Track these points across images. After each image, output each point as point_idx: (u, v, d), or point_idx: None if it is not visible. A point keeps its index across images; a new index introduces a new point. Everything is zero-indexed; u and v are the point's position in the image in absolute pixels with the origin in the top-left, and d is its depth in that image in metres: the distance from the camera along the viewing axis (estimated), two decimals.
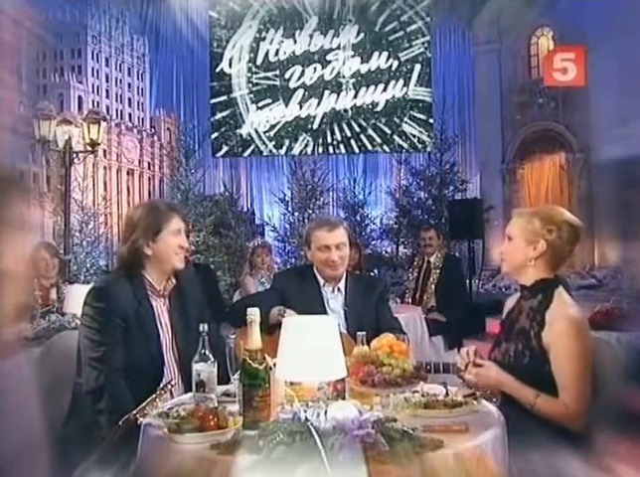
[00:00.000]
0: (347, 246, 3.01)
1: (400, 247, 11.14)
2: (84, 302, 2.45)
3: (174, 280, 2.57)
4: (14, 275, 0.88)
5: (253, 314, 1.81)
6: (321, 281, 3.03)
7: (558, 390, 2.11)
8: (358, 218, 11.08)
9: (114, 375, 2.31)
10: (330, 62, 12.65)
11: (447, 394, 2.00)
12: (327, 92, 12.62)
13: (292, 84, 12.67)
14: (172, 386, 2.12)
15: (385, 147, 12.61)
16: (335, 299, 3.03)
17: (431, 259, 5.88)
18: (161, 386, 2.09)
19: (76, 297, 3.97)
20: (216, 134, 12.66)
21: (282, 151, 12.66)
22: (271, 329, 2.46)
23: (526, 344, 2.20)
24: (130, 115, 14.75)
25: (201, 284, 2.78)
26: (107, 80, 14.49)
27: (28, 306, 3.59)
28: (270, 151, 12.72)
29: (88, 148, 8.28)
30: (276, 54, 12.71)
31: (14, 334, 0.97)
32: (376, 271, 10.12)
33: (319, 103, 12.62)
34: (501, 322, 2.42)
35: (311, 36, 12.63)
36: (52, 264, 4.63)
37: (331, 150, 12.59)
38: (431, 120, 12.30)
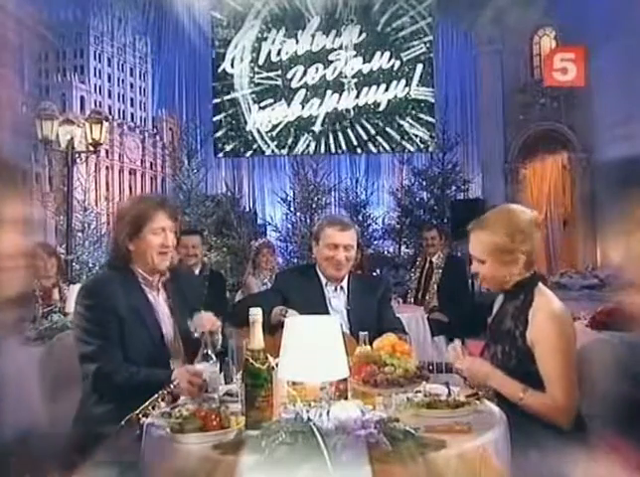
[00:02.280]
0: (354, 249, 3.02)
1: (403, 247, 11.13)
2: (75, 302, 2.41)
3: (167, 274, 2.52)
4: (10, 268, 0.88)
5: (256, 314, 1.80)
6: (323, 281, 3.02)
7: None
8: (360, 218, 11.06)
9: (112, 368, 2.27)
10: (332, 62, 12.64)
11: (450, 394, 2.00)
12: (329, 92, 12.61)
13: (294, 84, 12.66)
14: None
15: (387, 147, 12.60)
16: (337, 299, 3.03)
17: (433, 259, 5.88)
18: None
19: None
20: (218, 134, 12.66)
21: (284, 151, 12.65)
22: (273, 329, 2.45)
23: (512, 345, 2.19)
24: (132, 115, 14.76)
25: (211, 289, 2.78)
26: (110, 81, 14.50)
27: (29, 304, 3.59)
28: (272, 151, 12.71)
29: (91, 148, 8.29)
30: (278, 54, 12.70)
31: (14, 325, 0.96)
32: (378, 271, 10.13)
33: (321, 103, 12.61)
34: (489, 325, 2.41)
35: (313, 36, 12.62)
36: (50, 264, 4.62)
37: (333, 150, 12.58)
38: (433, 120, 12.29)
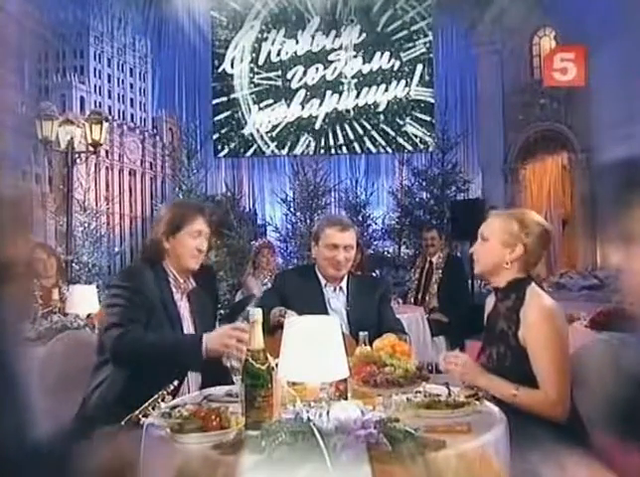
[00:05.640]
0: (354, 249, 3.02)
1: (403, 248, 11.12)
2: (111, 285, 2.53)
3: (193, 282, 2.64)
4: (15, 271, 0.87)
5: (256, 314, 1.80)
6: (322, 281, 3.02)
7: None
8: (360, 218, 11.05)
9: (138, 334, 2.33)
10: (332, 62, 12.65)
11: (450, 394, 2.00)
12: (329, 93, 12.61)
13: (294, 85, 12.67)
14: (174, 387, 2.12)
15: (387, 147, 12.60)
16: (337, 299, 3.03)
17: (433, 260, 5.88)
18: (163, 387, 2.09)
19: (78, 297, 4.00)
20: (218, 135, 12.67)
21: (284, 151, 12.65)
22: (273, 329, 2.46)
23: (506, 346, 2.20)
24: (132, 116, 14.73)
25: (201, 283, 2.81)
26: (110, 81, 14.48)
27: (29, 305, 3.59)
28: (272, 151, 12.72)
29: (91, 149, 8.30)
30: (278, 54, 12.71)
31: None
32: (378, 272, 10.12)
33: (321, 104, 12.61)
34: (484, 327, 2.42)
35: (313, 36, 12.63)
36: (49, 264, 4.62)
37: (333, 150, 12.59)
38: (433, 121, 12.29)
